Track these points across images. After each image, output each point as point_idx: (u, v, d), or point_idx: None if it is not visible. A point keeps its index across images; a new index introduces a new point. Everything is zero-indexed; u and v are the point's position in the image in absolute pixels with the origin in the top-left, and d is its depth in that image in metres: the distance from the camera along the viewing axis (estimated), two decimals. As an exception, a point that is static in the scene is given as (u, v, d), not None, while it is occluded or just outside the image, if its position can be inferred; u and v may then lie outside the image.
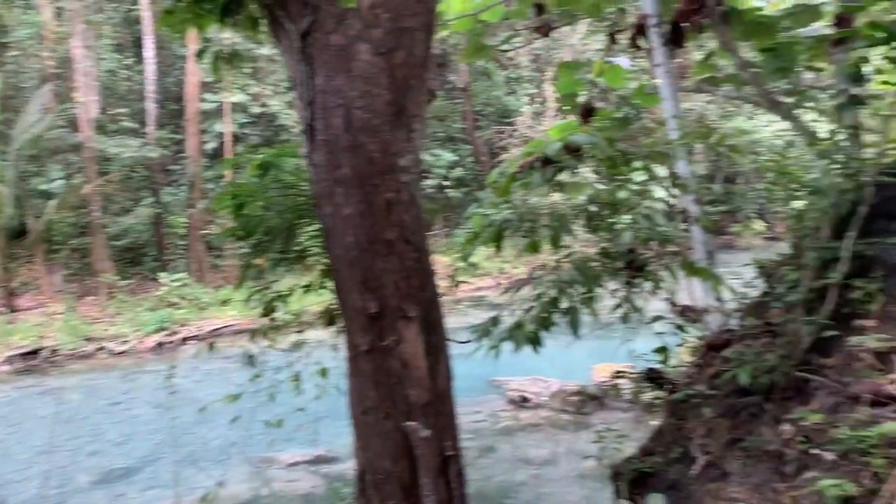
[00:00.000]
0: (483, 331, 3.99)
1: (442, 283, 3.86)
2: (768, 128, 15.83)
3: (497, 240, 4.19)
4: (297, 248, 4.28)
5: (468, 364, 4.08)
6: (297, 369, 4.40)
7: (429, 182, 23.87)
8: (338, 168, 3.15)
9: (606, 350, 8.35)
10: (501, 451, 7.63)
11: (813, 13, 6.21)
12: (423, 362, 3.20)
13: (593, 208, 4.23)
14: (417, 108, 3.39)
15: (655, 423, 4.38)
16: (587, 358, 8.99)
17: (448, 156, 26.30)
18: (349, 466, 3.83)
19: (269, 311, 4.45)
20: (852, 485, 2.95)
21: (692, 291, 4.77)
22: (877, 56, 4.85)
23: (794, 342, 3.51)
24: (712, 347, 4.06)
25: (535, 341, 4.02)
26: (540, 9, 7.02)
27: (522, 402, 9.16)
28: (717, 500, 3.28)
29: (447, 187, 25.68)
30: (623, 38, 7.10)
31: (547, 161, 4.35)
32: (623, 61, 7.98)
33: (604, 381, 8.17)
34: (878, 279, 3.51)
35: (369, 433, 3.26)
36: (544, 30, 7.43)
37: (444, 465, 3.18)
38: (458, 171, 26.43)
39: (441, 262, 6.50)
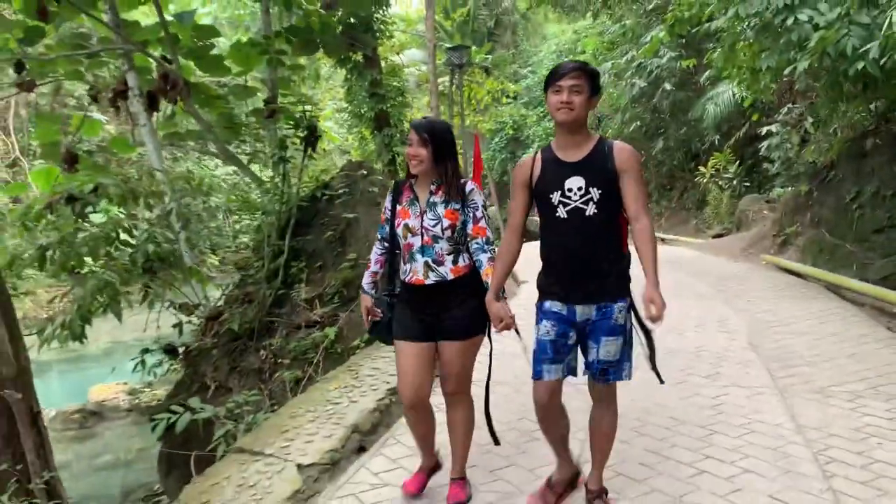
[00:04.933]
0: (39, 330, 5.14)
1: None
2: (216, 171, 17.88)
3: (42, 261, 5.35)
4: None
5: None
6: None
7: None
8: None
9: (98, 376, 9.33)
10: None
11: (249, 91, 8.78)
12: (9, 347, 4.31)
13: (113, 234, 5.76)
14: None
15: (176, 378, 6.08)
16: (83, 383, 9.83)
17: None
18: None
19: None
20: (300, 372, 5.25)
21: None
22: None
23: (262, 302, 5.70)
24: (210, 318, 5.98)
25: (81, 335, 5.36)
26: (20, 66, 7.82)
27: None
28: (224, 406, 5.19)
29: None
30: (104, 98, 8.41)
31: (72, 198, 5.69)
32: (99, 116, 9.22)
33: (101, 400, 9.20)
34: (304, 260, 5.98)
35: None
36: (27, 86, 8.19)
37: (33, 419, 4.34)
38: None
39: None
